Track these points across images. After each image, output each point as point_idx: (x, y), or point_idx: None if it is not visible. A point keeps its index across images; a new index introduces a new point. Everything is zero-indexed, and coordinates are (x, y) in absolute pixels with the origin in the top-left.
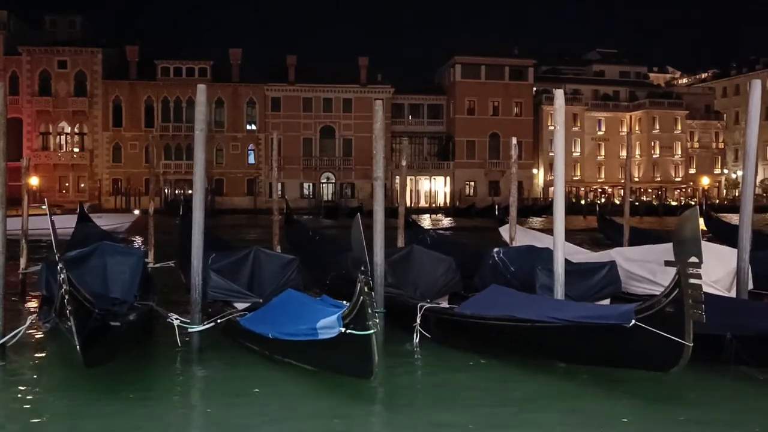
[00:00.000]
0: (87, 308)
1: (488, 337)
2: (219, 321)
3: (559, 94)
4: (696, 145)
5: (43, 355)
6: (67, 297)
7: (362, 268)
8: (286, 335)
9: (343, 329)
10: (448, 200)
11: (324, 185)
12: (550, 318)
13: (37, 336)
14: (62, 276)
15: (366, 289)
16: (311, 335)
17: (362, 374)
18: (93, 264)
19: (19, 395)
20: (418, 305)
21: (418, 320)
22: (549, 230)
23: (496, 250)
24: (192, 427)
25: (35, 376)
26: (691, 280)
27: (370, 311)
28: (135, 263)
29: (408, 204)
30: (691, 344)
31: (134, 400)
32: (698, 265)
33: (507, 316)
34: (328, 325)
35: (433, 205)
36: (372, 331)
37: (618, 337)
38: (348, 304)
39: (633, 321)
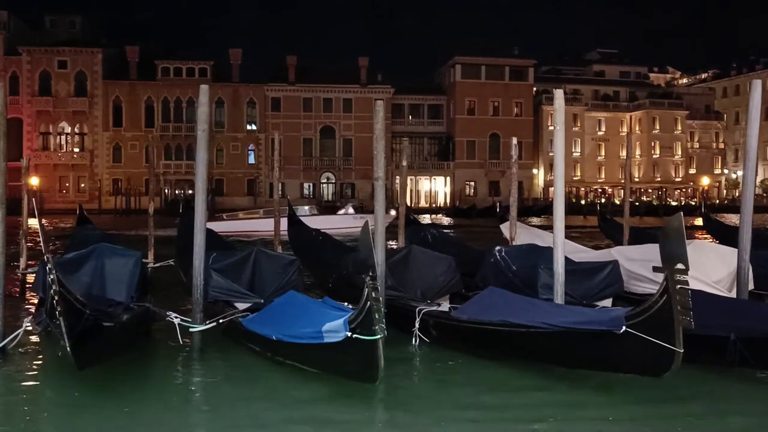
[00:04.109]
0: (78, 309)
1: (484, 342)
2: (220, 321)
3: (559, 94)
4: (696, 145)
5: (43, 355)
6: (56, 298)
7: (370, 273)
8: (290, 337)
9: (349, 334)
10: (448, 200)
11: (324, 185)
12: (543, 324)
13: (36, 337)
14: (51, 277)
15: (374, 294)
16: (317, 338)
17: (367, 379)
18: (90, 265)
19: (19, 397)
20: (417, 309)
21: (417, 324)
22: (550, 227)
23: (497, 248)
24: (192, 427)
25: (35, 378)
26: (679, 286)
27: (377, 317)
28: (133, 264)
29: (408, 204)
30: (682, 350)
31: (134, 400)
32: (685, 271)
33: (502, 321)
34: (334, 329)
35: (434, 206)
36: (378, 336)
37: (609, 342)
38: (350, 306)
39: (624, 327)
